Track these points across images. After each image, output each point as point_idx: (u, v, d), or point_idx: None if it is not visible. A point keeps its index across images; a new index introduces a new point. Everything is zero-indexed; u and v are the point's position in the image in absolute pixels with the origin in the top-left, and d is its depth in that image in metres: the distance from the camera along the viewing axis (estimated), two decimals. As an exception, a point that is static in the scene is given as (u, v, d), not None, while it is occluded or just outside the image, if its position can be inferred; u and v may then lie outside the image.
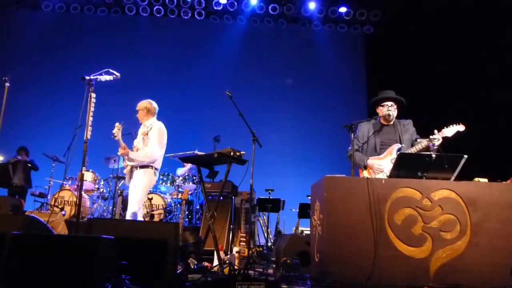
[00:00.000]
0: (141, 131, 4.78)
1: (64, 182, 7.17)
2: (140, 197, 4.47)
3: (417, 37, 8.13)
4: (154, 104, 4.86)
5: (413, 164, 3.43)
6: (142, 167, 4.53)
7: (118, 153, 4.63)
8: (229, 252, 5.05)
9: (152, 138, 4.58)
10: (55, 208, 6.50)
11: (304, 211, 6.63)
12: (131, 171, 4.61)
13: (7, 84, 4.44)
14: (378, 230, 3.16)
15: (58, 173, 7.44)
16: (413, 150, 4.02)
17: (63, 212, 6.36)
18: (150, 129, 4.65)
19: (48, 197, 7.16)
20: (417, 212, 3.23)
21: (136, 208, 4.38)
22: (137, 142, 4.71)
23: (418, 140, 4.07)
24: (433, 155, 3.38)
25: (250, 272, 3.72)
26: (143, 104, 4.80)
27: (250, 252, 5.16)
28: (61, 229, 5.71)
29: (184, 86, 9.40)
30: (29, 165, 8.05)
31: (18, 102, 7.32)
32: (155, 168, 4.61)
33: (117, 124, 4.53)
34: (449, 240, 3.17)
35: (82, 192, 6.86)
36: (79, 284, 2.27)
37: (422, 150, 3.95)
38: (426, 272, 3.10)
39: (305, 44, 9.77)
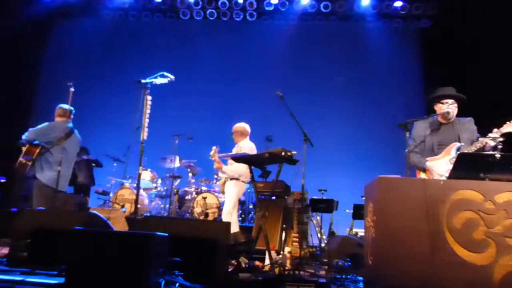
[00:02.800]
0: (235, 150, 5.47)
1: (124, 181, 7.54)
2: (232, 203, 5.20)
3: (477, 30, 7.65)
4: (247, 128, 5.62)
5: (474, 164, 3.23)
6: (232, 179, 5.31)
7: (213, 167, 5.35)
8: (281, 252, 5.05)
9: None
10: (116, 205, 6.86)
11: (358, 212, 6.49)
12: (225, 183, 5.45)
13: (72, 89, 4.74)
14: (435, 234, 3.01)
15: (119, 172, 7.83)
16: (472, 148, 3.79)
17: (123, 209, 6.70)
18: (241, 149, 5.32)
19: (110, 195, 7.54)
20: (479, 215, 3.03)
21: (229, 211, 5.12)
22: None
23: (480, 139, 3.83)
24: (497, 155, 3.16)
25: (301, 273, 3.69)
26: (238, 128, 5.56)
27: (302, 252, 5.14)
28: (122, 225, 6.01)
29: (237, 87, 9.51)
30: (93, 164, 8.54)
31: (82, 106, 7.77)
32: (242, 181, 5.35)
33: (214, 147, 5.29)
34: (515, 247, 2.95)
35: (141, 190, 7.22)
36: (134, 278, 2.38)
37: (480, 150, 3.71)
38: (489, 280, 2.90)
39: (358, 41, 9.52)
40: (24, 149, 4.87)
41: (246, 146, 5.36)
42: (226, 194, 5.39)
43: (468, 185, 3.10)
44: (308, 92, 9.37)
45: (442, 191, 3.08)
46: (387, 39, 9.48)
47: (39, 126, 4.97)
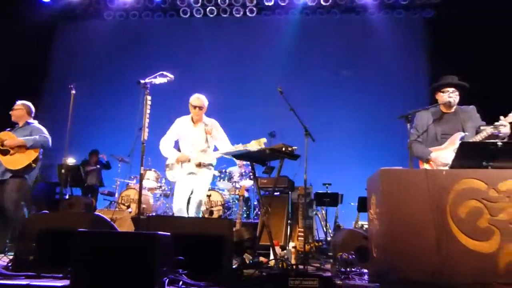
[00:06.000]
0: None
1: (130, 181, 7.58)
2: None
3: (481, 18, 7.55)
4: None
5: (476, 153, 3.20)
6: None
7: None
8: (287, 247, 5.06)
9: None
10: (122, 206, 6.90)
11: (364, 205, 6.44)
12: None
13: (73, 92, 4.77)
14: (439, 224, 2.99)
15: (124, 173, 7.87)
16: (477, 138, 3.75)
17: (129, 210, 6.73)
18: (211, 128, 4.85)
19: (116, 196, 7.58)
20: (483, 204, 3.01)
21: None
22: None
23: (482, 127, 3.79)
24: (499, 143, 3.13)
25: (306, 267, 3.70)
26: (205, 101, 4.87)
27: (308, 247, 5.13)
28: (128, 226, 6.04)
29: (239, 83, 9.50)
30: (98, 166, 8.62)
31: (85, 107, 7.80)
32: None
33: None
34: (519, 233, 2.92)
35: (146, 190, 7.25)
36: (138, 278, 2.40)
37: (488, 138, 3.68)
38: (495, 267, 2.88)
39: (360, 34, 9.45)
40: None
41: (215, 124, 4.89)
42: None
43: (471, 174, 3.08)
44: (311, 86, 9.34)
45: (445, 181, 3.06)
46: (390, 30, 9.39)
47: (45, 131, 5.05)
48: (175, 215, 4.68)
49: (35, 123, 5.13)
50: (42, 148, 4.94)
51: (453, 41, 8.08)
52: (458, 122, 4.02)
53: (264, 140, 4.25)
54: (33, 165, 4.84)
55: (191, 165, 4.69)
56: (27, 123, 5.07)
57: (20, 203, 4.73)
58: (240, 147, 4.09)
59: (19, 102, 5.11)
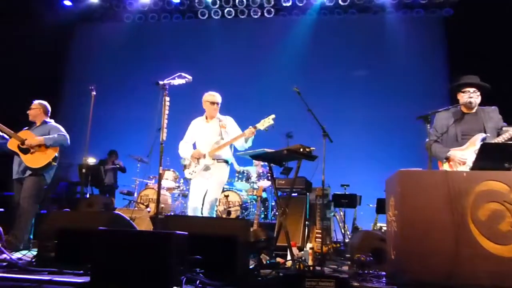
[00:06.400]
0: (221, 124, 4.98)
1: (148, 181, 7.67)
2: None
3: (502, 16, 7.37)
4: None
5: (498, 154, 3.15)
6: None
7: None
8: (304, 249, 5.04)
9: None
10: (141, 205, 6.99)
11: (382, 207, 6.38)
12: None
13: (94, 93, 4.86)
14: (459, 227, 2.94)
15: (143, 173, 7.96)
16: (499, 139, 3.67)
17: (148, 209, 6.81)
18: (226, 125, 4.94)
19: (135, 195, 7.68)
20: (505, 207, 2.95)
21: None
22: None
23: (505, 128, 3.71)
24: (522, 144, 3.07)
25: (324, 268, 3.68)
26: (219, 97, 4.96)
27: (326, 248, 5.10)
28: (147, 225, 6.11)
29: (257, 84, 9.50)
30: (118, 165, 8.78)
31: (105, 108, 7.92)
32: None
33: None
34: (543, 238, 2.85)
35: (164, 190, 7.33)
36: (156, 276, 2.43)
37: (511, 140, 3.60)
38: (517, 272, 2.82)
39: (379, 33, 9.34)
40: None
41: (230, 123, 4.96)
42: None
43: (493, 176, 3.02)
44: (329, 86, 9.27)
45: (465, 183, 3.02)
46: (408, 30, 9.26)
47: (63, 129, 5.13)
48: (190, 214, 4.72)
49: (52, 122, 5.20)
50: (61, 147, 5.00)
51: (473, 39, 7.91)
52: (479, 122, 3.95)
53: (273, 116, 4.33)
54: (53, 163, 4.92)
55: (207, 159, 4.73)
56: (45, 122, 5.15)
57: (34, 200, 4.81)
58: (250, 130, 4.42)
59: (35, 102, 5.19)
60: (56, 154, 4.96)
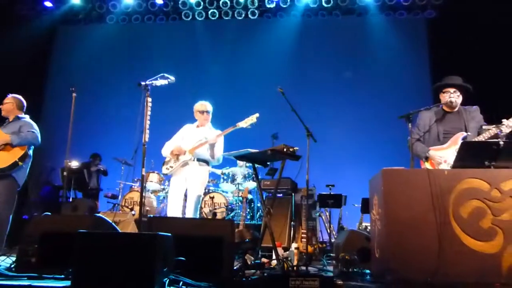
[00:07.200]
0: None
1: (133, 184, 7.59)
2: None
3: (485, 18, 7.52)
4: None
5: (479, 152, 3.19)
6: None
7: None
8: (289, 249, 5.05)
9: None
10: (125, 209, 6.91)
11: (367, 206, 6.39)
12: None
13: (74, 94, 4.78)
14: (442, 224, 2.97)
15: (128, 176, 7.87)
16: (480, 138, 3.73)
17: (133, 212, 6.74)
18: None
19: (119, 198, 7.59)
20: (486, 204, 2.99)
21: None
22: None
23: (484, 127, 3.78)
24: (501, 142, 3.12)
25: (309, 268, 3.68)
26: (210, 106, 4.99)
27: (311, 248, 5.12)
28: (131, 228, 6.05)
29: (241, 86, 9.49)
30: (100, 169, 8.69)
31: (88, 110, 7.83)
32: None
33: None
34: (523, 234, 2.90)
35: (149, 193, 7.26)
36: (139, 278, 2.40)
37: (491, 138, 3.66)
38: (498, 268, 2.86)
39: (363, 35, 9.42)
40: None
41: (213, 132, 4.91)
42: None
43: (473, 173, 3.06)
44: (313, 87, 9.31)
45: (447, 181, 3.05)
46: (392, 31, 9.36)
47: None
48: (168, 215, 4.70)
49: (27, 117, 4.78)
50: (30, 145, 4.57)
51: (455, 41, 8.05)
52: (461, 122, 4.01)
53: (256, 115, 4.35)
54: (20, 163, 4.43)
55: (186, 155, 4.71)
56: (18, 118, 4.71)
57: (7, 204, 4.40)
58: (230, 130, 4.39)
59: (9, 96, 4.78)
60: (29, 153, 4.56)
